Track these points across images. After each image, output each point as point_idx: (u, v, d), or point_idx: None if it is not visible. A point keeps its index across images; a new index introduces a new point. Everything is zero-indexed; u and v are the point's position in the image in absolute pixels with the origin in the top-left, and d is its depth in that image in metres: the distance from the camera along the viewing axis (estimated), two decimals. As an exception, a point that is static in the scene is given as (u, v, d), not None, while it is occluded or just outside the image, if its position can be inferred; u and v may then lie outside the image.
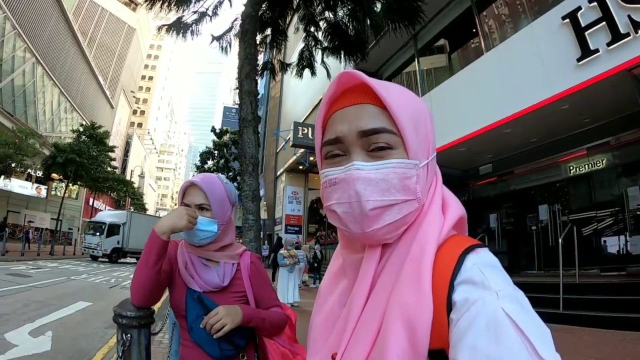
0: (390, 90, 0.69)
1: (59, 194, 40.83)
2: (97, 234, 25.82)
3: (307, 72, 9.58)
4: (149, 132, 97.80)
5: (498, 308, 0.53)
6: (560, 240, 7.82)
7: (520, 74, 8.72)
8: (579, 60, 7.55)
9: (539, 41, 8.39)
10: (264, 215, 31.74)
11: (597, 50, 7.29)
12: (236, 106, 44.56)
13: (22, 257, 19.69)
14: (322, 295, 0.84)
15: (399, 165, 0.66)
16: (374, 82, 0.69)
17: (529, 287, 8.32)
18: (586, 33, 7.48)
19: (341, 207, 0.68)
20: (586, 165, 9.90)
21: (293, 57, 9.71)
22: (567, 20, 7.77)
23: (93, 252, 25.61)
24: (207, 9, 7.99)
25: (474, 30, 11.53)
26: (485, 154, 11.44)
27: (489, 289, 0.56)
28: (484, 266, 0.60)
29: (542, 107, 8.20)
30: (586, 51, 7.45)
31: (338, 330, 0.72)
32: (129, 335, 1.54)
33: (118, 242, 26.23)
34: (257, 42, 7.74)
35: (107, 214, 29.42)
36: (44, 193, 43.80)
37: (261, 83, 40.84)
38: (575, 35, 7.66)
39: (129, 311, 1.54)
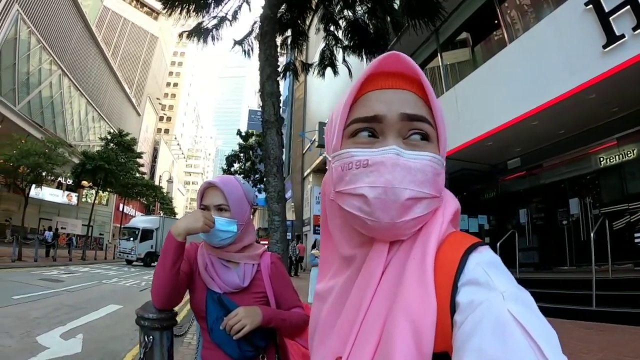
0: (429, 84, 0.68)
1: (89, 200, 41.79)
2: (131, 239, 26.97)
3: (329, 71, 9.53)
4: (175, 138, 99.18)
5: (504, 309, 0.51)
6: (592, 235, 7.58)
7: (545, 64, 8.47)
8: (604, 47, 7.26)
9: (563, 29, 8.15)
10: (291, 216, 31.98)
11: (622, 36, 7.01)
12: (261, 109, 44.43)
13: (55, 262, 20.33)
14: (318, 294, 0.81)
15: (434, 160, 0.65)
16: (422, 73, 0.68)
17: (560, 284, 8.15)
18: (610, 18, 7.19)
19: (374, 192, 0.63)
20: (617, 156, 9.57)
21: (315, 57, 9.70)
22: (590, 5, 7.49)
23: (128, 256, 26.76)
24: (226, 14, 8.04)
25: (496, 21, 11.31)
26: (514, 148, 11.18)
27: (495, 290, 0.54)
28: (487, 266, 0.59)
29: (569, 97, 7.94)
30: (611, 37, 7.17)
31: (340, 332, 0.70)
32: (151, 337, 1.57)
33: (152, 247, 26.99)
34: (278, 44, 7.74)
35: (140, 220, 30.35)
36: (74, 200, 45.03)
37: (285, 85, 41.04)
38: (599, 21, 7.37)
39: (151, 313, 1.57)
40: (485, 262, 0.59)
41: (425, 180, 0.63)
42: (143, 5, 71.28)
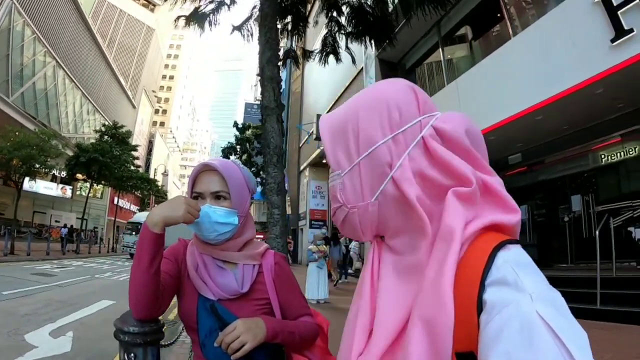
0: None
1: (83, 194, 41.53)
2: (134, 233, 27.63)
3: (329, 62, 9.29)
4: (171, 131, 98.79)
5: (532, 311, 0.50)
6: (596, 232, 7.42)
7: (552, 57, 8.27)
8: (612, 41, 7.08)
9: (570, 22, 7.94)
10: (287, 210, 31.60)
11: (631, 30, 6.82)
12: (257, 102, 44.53)
13: (48, 256, 20.14)
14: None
15: (333, 178, 0.78)
16: None
17: (562, 282, 7.98)
18: (619, 12, 6.99)
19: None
20: (620, 153, 9.46)
21: (314, 46, 9.43)
22: (599, -1, 7.35)
23: (131, 250, 27.40)
24: (224, -2, 7.79)
25: (499, 15, 11.13)
26: (515, 143, 11.00)
27: (523, 291, 0.52)
28: (516, 264, 0.57)
29: (576, 91, 7.76)
30: (620, 31, 6.97)
31: (357, 331, 0.72)
32: (132, 354, 1.27)
33: None
34: (279, 28, 7.52)
35: (143, 215, 31.30)
36: (69, 193, 44.81)
37: (282, 77, 40.76)
38: (608, 15, 7.18)
39: (131, 326, 1.26)
40: (513, 261, 0.58)
41: (332, 198, 0.79)
42: (139, -4, 70.78)
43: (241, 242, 1.43)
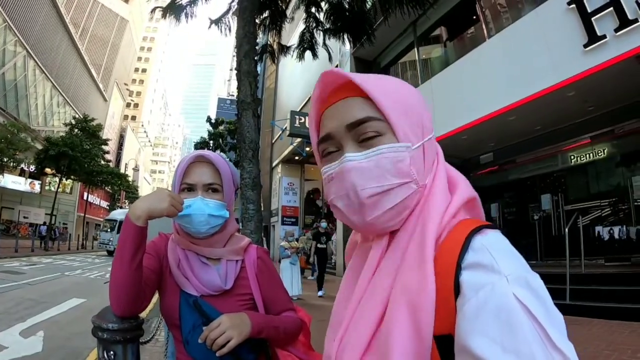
0: (371, 81, 0.70)
1: (53, 189, 40.47)
2: (109, 230, 28.23)
3: (301, 60, 9.33)
4: (142, 125, 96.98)
5: (508, 293, 0.50)
6: (566, 230, 7.64)
7: (526, 60, 8.48)
8: (585, 46, 7.29)
9: (545, 27, 8.15)
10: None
11: (604, 37, 7.04)
12: (231, 97, 44.13)
13: (16, 253, 19.70)
14: (342, 284, 0.82)
15: (389, 150, 0.67)
16: (353, 75, 0.70)
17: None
18: (593, 19, 7.21)
19: (341, 201, 0.70)
20: (589, 154, 9.76)
21: (290, 42, 9.38)
22: (573, 5, 7.50)
23: (107, 247, 28.26)
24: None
25: (474, 17, 11.30)
26: (488, 143, 11.22)
27: (499, 273, 0.53)
28: (493, 248, 0.57)
29: (549, 93, 7.96)
30: (593, 37, 7.20)
31: (342, 317, 0.73)
32: (111, 352, 1.23)
33: None
34: (257, 22, 7.45)
35: (118, 212, 32.03)
36: (37, 188, 43.42)
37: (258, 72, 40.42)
38: (582, 21, 7.39)
39: (110, 323, 1.23)
40: (490, 244, 0.58)
41: (383, 173, 0.66)
42: (113, -14, 69.18)
43: (227, 235, 1.42)
